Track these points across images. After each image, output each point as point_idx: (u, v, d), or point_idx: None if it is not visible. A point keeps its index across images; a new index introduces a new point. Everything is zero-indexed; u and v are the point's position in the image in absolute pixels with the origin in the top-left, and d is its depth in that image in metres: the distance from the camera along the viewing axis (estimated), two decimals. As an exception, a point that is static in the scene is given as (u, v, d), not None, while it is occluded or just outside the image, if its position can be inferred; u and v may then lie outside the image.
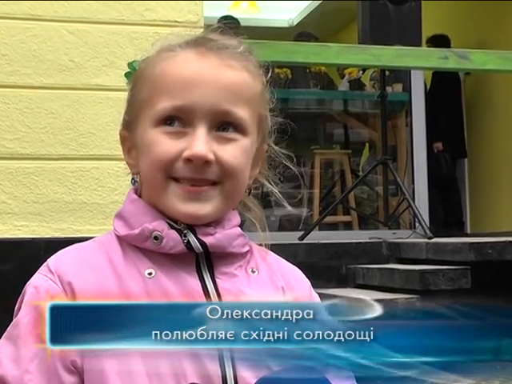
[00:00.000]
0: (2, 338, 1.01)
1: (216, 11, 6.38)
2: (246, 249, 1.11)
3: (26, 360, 0.98)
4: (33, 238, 4.07)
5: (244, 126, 1.07)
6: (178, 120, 1.04)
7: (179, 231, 1.05)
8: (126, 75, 1.17)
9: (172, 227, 1.05)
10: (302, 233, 4.77)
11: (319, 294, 4.36)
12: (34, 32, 4.18)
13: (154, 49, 1.12)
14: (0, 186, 4.07)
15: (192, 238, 1.04)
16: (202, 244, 1.05)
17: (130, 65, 1.16)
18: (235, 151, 1.06)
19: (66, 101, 4.20)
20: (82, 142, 4.19)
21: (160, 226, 1.04)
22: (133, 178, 1.13)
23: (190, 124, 1.04)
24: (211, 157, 1.02)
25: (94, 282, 1.01)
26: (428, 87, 6.86)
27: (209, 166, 1.03)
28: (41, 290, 1.01)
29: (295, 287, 1.15)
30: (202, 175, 1.03)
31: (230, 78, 1.05)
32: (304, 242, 4.67)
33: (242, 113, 1.06)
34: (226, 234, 1.07)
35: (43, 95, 4.19)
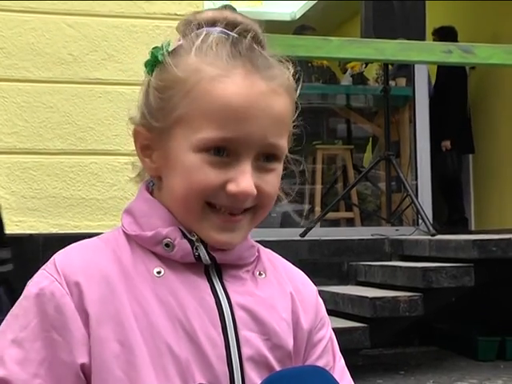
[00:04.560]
0: (4, 339, 0.98)
1: (217, 4, 6.33)
2: (254, 257, 1.10)
3: (35, 363, 0.96)
4: (31, 234, 4.03)
5: (283, 155, 1.06)
6: (223, 150, 1.00)
7: (191, 242, 1.03)
8: (147, 64, 1.07)
9: (184, 236, 1.03)
10: (303, 229, 4.71)
11: (321, 291, 4.34)
12: (32, 25, 4.13)
13: (187, 46, 1.03)
14: (-3, 180, 4.04)
15: (203, 252, 1.03)
16: (212, 258, 1.04)
17: (151, 53, 1.06)
18: (275, 181, 1.05)
19: (65, 95, 4.17)
20: (81, 136, 4.16)
21: (173, 234, 1.02)
22: (151, 181, 1.10)
23: (235, 154, 1.00)
24: (255, 193, 1.01)
25: (102, 282, 1.00)
26: (433, 81, 6.82)
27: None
28: (46, 292, 0.99)
29: (303, 293, 1.13)
30: (241, 206, 1.02)
31: (277, 108, 1.02)
32: (305, 238, 4.62)
33: (284, 143, 1.05)
34: (237, 250, 1.06)
35: (41, 89, 4.15)
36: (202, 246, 1.03)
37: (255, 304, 1.04)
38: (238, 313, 1.02)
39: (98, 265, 1.01)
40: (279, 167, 1.05)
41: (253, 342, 1.02)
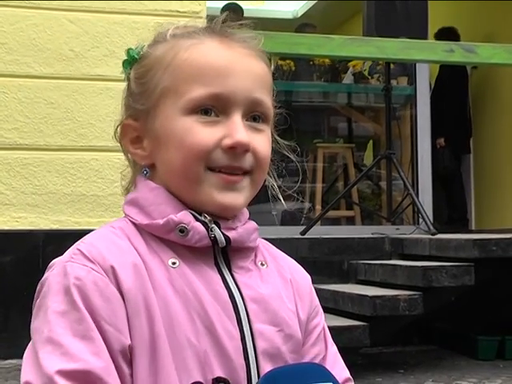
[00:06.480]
0: (64, 336, 0.93)
1: (219, 1, 6.31)
2: (258, 243, 1.11)
3: (105, 351, 0.94)
4: (31, 230, 4.03)
5: (270, 117, 1.07)
6: (212, 108, 1.02)
7: (204, 224, 1.02)
8: (125, 63, 1.11)
9: (197, 219, 1.02)
10: (303, 227, 4.71)
11: (321, 290, 4.29)
12: (33, 20, 4.13)
13: (161, 36, 1.08)
14: (-2, 176, 4.04)
15: (218, 233, 1.02)
16: (226, 238, 1.03)
17: (128, 53, 1.10)
18: (266, 142, 1.06)
19: (66, 91, 4.17)
20: (82, 132, 4.16)
21: (186, 218, 1.02)
22: (145, 169, 1.09)
23: (224, 112, 1.02)
24: (250, 144, 1.02)
25: (132, 269, 0.98)
26: (434, 80, 6.81)
27: (246, 154, 1.03)
28: (87, 282, 0.96)
29: (298, 281, 1.14)
30: (239, 163, 1.02)
31: (257, 67, 1.06)
32: (306, 236, 4.62)
33: (269, 101, 1.07)
34: (246, 229, 1.06)
35: (42, 85, 4.14)
36: (215, 227, 1.02)
37: (265, 296, 1.05)
38: (250, 305, 1.02)
39: (124, 252, 1.00)
40: (268, 131, 1.07)
41: (267, 334, 1.03)
